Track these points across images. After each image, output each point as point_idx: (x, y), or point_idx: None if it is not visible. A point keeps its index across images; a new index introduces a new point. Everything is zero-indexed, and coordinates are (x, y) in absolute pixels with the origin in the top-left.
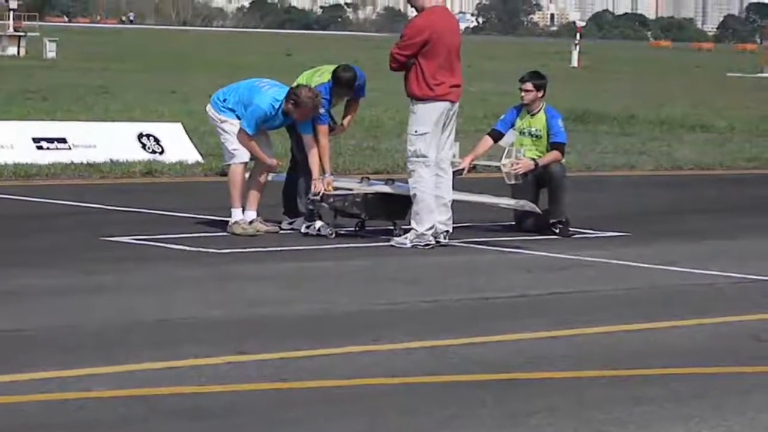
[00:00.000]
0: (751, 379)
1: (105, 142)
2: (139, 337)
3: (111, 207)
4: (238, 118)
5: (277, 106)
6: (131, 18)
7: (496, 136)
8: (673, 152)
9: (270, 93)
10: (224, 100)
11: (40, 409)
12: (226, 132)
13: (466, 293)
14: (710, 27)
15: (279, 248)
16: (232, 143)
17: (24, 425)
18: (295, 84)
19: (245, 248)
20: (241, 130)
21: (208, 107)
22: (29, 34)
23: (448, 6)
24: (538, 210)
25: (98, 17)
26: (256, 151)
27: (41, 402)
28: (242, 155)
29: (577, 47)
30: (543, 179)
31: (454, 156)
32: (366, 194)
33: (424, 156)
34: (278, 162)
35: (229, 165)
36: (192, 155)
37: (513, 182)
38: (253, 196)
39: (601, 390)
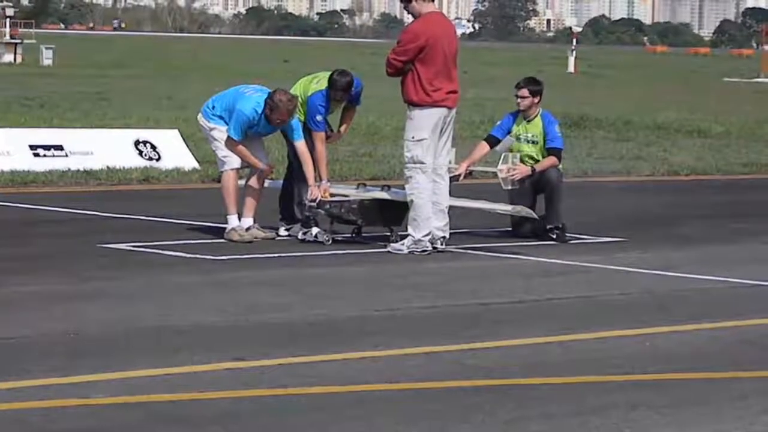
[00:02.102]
0: (748, 384)
1: (102, 149)
2: (137, 344)
3: (108, 214)
4: (227, 125)
5: (260, 111)
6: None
7: (493, 141)
8: (669, 157)
9: (253, 98)
10: (213, 108)
11: (38, 416)
12: (215, 139)
13: (463, 299)
14: (706, 32)
15: (276, 255)
16: (222, 150)
17: None
18: (274, 89)
19: (242, 255)
20: (228, 136)
21: (199, 116)
22: (26, 41)
23: (444, 12)
24: (534, 216)
25: (91, 24)
26: (246, 156)
27: (40, 409)
28: (233, 161)
29: (574, 53)
30: (540, 185)
31: (450, 162)
32: (362, 200)
33: (422, 162)
34: (272, 166)
35: (222, 172)
36: (188, 162)
37: (510, 188)
38: (250, 202)
39: (598, 395)
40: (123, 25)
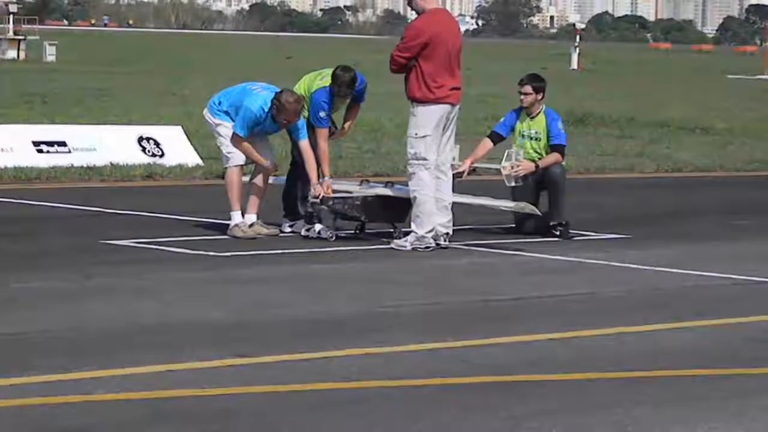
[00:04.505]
0: (751, 381)
1: (105, 145)
2: (139, 340)
3: (111, 210)
4: (233, 121)
5: (267, 109)
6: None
7: (496, 138)
8: (673, 154)
9: (261, 96)
10: (219, 103)
11: (41, 412)
12: (221, 135)
13: (466, 296)
14: (710, 29)
15: (279, 251)
16: (227, 146)
17: (26, 429)
18: (281, 89)
19: (245, 251)
20: (234, 132)
21: (205, 111)
22: (29, 37)
23: (448, 8)
24: (538, 212)
25: (92, 21)
26: (250, 154)
27: (42, 406)
28: (237, 158)
29: (577, 49)
30: (543, 181)
31: (453, 159)
32: (366, 197)
33: (424, 159)
34: (276, 165)
35: (226, 168)
36: (192, 158)
37: (513, 184)
38: (254, 199)
39: (601, 392)
40: (130, 22)
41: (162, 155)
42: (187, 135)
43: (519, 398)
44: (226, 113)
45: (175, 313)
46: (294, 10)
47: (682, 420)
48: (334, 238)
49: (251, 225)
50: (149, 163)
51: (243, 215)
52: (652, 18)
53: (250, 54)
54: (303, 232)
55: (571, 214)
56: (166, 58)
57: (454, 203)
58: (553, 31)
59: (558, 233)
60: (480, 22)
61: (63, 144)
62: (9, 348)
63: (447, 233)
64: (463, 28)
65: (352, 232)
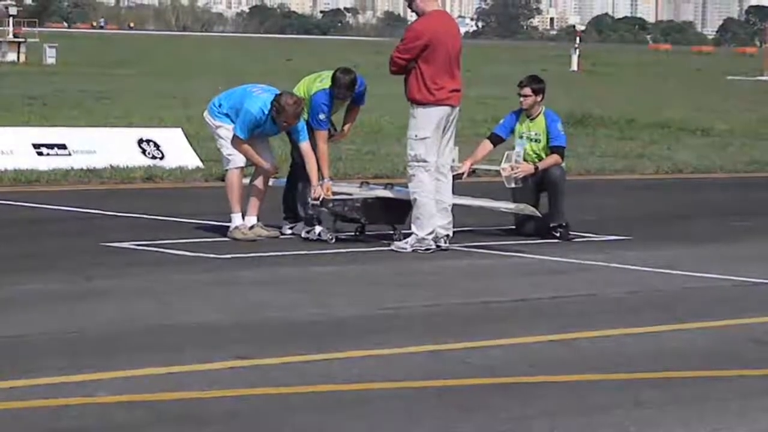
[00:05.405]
0: (752, 382)
1: (105, 147)
2: (140, 343)
3: (111, 213)
4: (233, 123)
5: (267, 111)
6: (102, 23)
7: (496, 140)
8: (673, 156)
9: (261, 98)
10: (220, 106)
11: (42, 415)
12: (221, 137)
13: (466, 297)
14: (710, 30)
15: (279, 253)
16: (227, 148)
17: (27, 431)
18: (280, 91)
19: (246, 253)
20: (234, 134)
21: (205, 113)
22: (29, 40)
23: (448, 10)
24: (538, 214)
25: (93, 23)
26: (251, 156)
27: (43, 408)
28: (237, 160)
29: (577, 51)
30: (543, 183)
31: (453, 160)
32: (366, 199)
33: (424, 160)
34: (276, 167)
35: (226, 170)
36: (192, 161)
37: (513, 186)
38: (254, 201)
39: (601, 393)
40: (131, 24)
41: (162, 157)
42: (187, 137)
43: (520, 400)
44: (227, 115)
45: (176, 315)
46: (294, 12)
47: (683, 421)
48: (334, 240)
49: (251, 227)
50: (149, 166)
51: (243, 217)
52: (652, 19)
53: (250, 56)
54: (303, 234)
55: (571, 216)
56: (166, 60)
57: (454, 205)
58: (553, 32)
59: (558, 235)
60: (480, 24)
61: (63, 146)
62: (9, 350)
63: (447, 235)
64: (462, 30)
65: (353, 234)
